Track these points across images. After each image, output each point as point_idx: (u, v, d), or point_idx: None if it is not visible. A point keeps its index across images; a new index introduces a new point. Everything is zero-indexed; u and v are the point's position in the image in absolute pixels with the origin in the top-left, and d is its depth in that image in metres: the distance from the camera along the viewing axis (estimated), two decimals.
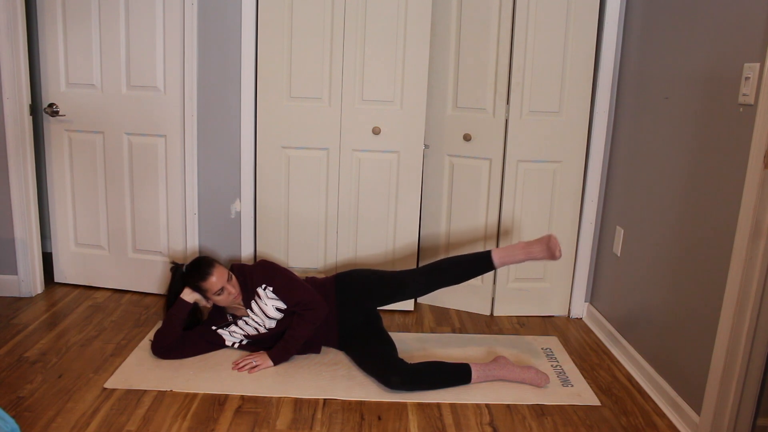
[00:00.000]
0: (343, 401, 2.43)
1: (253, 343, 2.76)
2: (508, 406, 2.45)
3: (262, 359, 2.63)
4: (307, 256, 3.32)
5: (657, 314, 2.61)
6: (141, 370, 2.58)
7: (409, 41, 3.07)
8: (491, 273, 3.31)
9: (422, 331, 3.11)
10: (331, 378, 2.59)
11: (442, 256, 3.38)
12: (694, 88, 2.38)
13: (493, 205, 3.25)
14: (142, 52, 3.13)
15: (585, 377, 2.70)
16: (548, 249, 2.59)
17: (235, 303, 2.69)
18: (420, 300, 3.48)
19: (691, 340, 2.33)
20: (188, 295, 2.65)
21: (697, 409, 2.27)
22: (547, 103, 3.13)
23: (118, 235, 3.36)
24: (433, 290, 2.72)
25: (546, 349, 2.95)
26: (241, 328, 2.73)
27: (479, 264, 2.66)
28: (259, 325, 2.71)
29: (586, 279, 3.33)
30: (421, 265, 2.64)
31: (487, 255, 2.65)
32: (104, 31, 3.14)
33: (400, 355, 2.68)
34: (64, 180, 3.33)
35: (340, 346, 2.81)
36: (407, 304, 3.34)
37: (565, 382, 2.65)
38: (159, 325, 2.75)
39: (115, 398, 2.37)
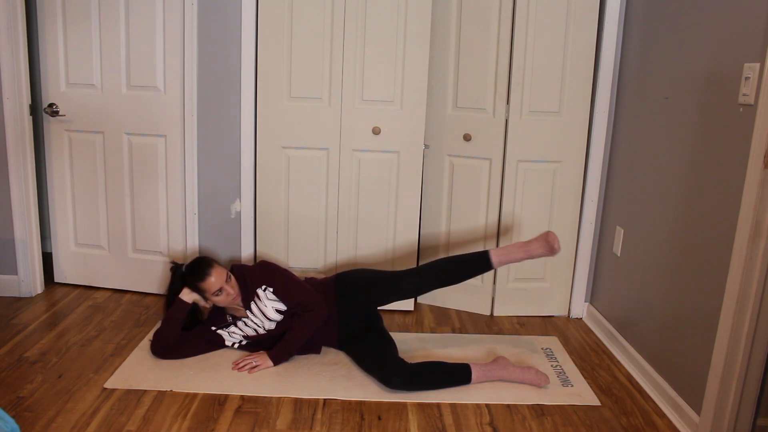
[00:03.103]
0: (343, 401, 2.43)
1: (253, 344, 2.76)
2: (508, 406, 2.45)
3: (262, 359, 2.63)
4: (307, 256, 3.32)
5: (657, 314, 2.61)
6: (141, 370, 2.58)
7: (409, 41, 3.07)
8: (491, 273, 3.31)
9: (422, 331, 3.11)
10: (331, 378, 2.59)
11: (442, 256, 3.37)
12: (694, 88, 2.38)
13: (493, 205, 3.25)
14: (142, 52, 3.13)
15: (585, 377, 2.70)
16: (547, 243, 2.58)
17: (234, 304, 2.69)
18: (420, 300, 3.48)
19: (691, 340, 2.33)
20: (187, 295, 2.65)
21: (697, 409, 2.27)
22: (547, 103, 3.13)
23: (118, 235, 3.36)
24: (430, 290, 2.72)
25: (546, 349, 2.95)
26: (240, 329, 2.73)
27: (477, 264, 2.65)
28: (259, 326, 2.71)
29: (586, 279, 3.33)
30: (420, 264, 2.63)
31: (485, 255, 2.65)
32: (104, 31, 3.14)
33: (401, 355, 2.67)
34: (64, 180, 3.33)
35: (340, 346, 2.81)
36: (407, 304, 3.34)
37: (565, 382, 2.65)
38: (158, 325, 2.75)
39: (115, 398, 2.37)
